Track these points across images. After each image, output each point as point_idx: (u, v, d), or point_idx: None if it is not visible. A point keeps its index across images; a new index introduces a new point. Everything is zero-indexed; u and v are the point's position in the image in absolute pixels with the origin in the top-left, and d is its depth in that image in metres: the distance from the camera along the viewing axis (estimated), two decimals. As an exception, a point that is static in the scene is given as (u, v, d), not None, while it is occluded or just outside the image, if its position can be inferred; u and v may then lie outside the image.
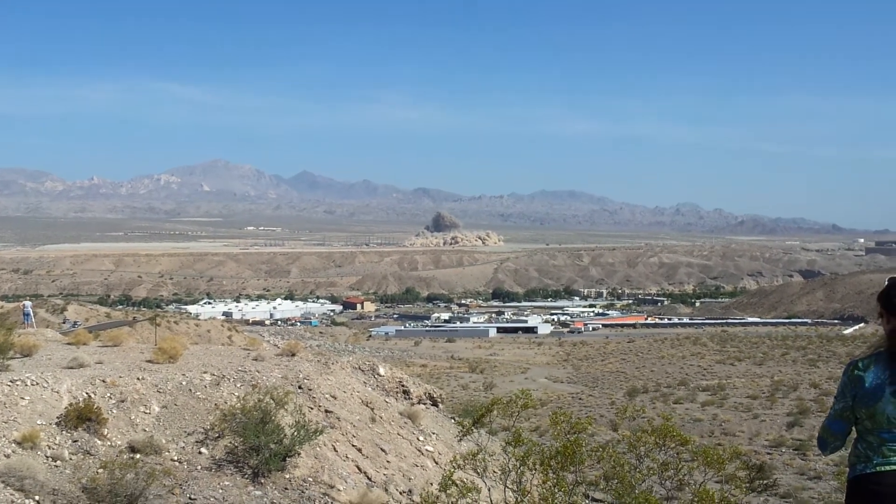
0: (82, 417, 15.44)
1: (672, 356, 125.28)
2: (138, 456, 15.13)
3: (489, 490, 13.05)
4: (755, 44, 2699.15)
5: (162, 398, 17.34)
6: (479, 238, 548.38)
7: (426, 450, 20.84)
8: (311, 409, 18.96)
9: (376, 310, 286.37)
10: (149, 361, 20.19)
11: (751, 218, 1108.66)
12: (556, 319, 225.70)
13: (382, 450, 19.29)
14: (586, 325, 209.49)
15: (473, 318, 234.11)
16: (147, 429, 16.28)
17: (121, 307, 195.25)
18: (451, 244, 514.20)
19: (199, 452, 16.02)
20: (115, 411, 16.39)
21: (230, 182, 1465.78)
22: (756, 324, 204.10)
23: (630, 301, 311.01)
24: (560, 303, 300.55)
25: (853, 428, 5.33)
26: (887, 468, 5.13)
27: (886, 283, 5.36)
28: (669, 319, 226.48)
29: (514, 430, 13.25)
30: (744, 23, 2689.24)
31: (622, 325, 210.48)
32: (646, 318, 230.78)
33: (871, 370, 5.22)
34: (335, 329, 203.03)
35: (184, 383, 18.06)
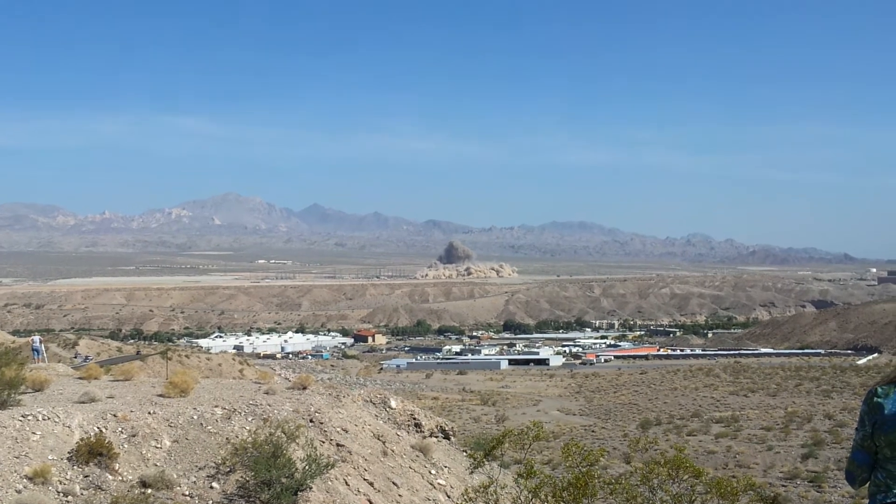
0: (93, 452, 15.43)
1: (685, 388, 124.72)
2: (149, 491, 15.09)
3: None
4: (767, 71, 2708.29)
5: (173, 432, 17.32)
6: (493, 270, 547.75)
7: (438, 483, 20.74)
8: (323, 442, 18.90)
9: (387, 342, 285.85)
10: (160, 396, 20.18)
11: (762, 248, 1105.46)
12: (567, 351, 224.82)
13: (394, 483, 19.20)
14: (598, 356, 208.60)
15: (485, 351, 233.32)
16: (158, 463, 16.25)
17: (132, 341, 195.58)
18: (464, 276, 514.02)
19: (211, 487, 15.98)
20: (126, 446, 16.37)
21: (241, 215, 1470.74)
22: (769, 354, 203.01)
23: (642, 332, 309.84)
24: (572, 334, 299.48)
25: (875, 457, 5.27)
26: None
27: None
28: (682, 350, 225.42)
29: (526, 462, 13.19)
30: (755, 50, 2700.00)
31: (634, 357, 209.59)
32: (658, 350, 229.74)
33: (891, 397, 5.17)
34: (346, 362, 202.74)
35: (195, 417, 18.04)
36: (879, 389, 5.25)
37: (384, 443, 21.00)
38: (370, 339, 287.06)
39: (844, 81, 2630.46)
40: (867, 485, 5.32)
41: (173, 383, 20.74)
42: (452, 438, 25.89)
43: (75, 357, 68.95)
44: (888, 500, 5.11)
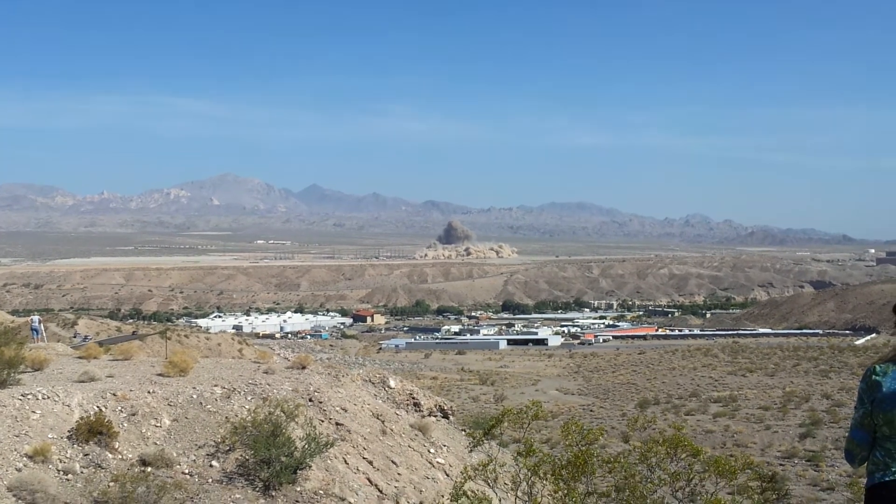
0: (93, 431, 15.46)
1: (683, 367, 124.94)
2: (149, 469, 15.14)
3: (500, 501, 13.02)
4: (764, 52, 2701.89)
5: (173, 411, 17.35)
6: (493, 250, 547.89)
7: (437, 462, 20.81)
8: (322, 421, 18.94)
9: (386, 322, 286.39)
10: (159, 375, 20.21)
11: (761, 229, 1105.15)
12: (566, 331, 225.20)
13: (393, 462, 19.27)
14: (597, 336, 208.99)
15: (483, 331, 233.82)
16: (158, 442, 16.29)
17: (131, 321, 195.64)
18: (463, 256, 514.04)
19: (210, 465, 16.02)
20: (126, 425, 16.41)
21: (240, 196, 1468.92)
22: (767, 335, 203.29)
23: (640, 312, 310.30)
24: (570, 315, 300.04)
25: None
26: None
27: None
28: (680, 331, 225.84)
29: (525, 441, 13.23)
30: (752, 32, 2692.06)
31: (633, 337, 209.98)
32: (656, 330, 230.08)
33: (889, 375, 5.16)
34: (345, 342, 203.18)
35: (194, 396, 18.07)
36: (878, 367, 5.25)
37: (383, 422, 21.05)
38: (369, 319, 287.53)
39: (844, 62, 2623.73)
40: (866, 464, 5.32)
41: (172, 363, 20.76)
42: (451, 418, 25.95)
43: (74, 336, 69.10)
44: (886, 479, 5.09)
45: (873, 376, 5.23)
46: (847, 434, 5.42)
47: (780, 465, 53.90)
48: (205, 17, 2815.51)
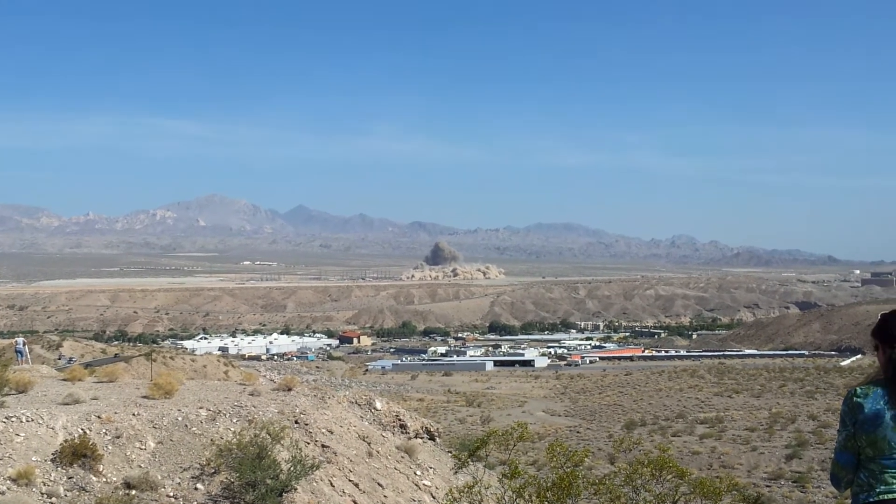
0: (77, 454, 15.39)
1: (669, 389, 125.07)
2: (134, 492, 15.07)
3: (486, 524, 13.01)
4: (752, 73, 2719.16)
5: (157, 434, 17.29)
6: (480, 271, 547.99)
7: (424, 484, 20.77)
8: (308, 443, 18.91)
9: (373, 344, 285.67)
10: (144, 397, 20.15)
11: (746, 250, 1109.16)
12: (552, 352, 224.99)
13: (379, 484, 19.22)
14: (583, 357, 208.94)
15: (470, 352, 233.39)
16: (143, 465, 16.22)
17: (116, 342, 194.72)
18: (451, 277, 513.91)
19: (195, 488, 15.96)
20: (110, 447, 16.34)
21: (226, 217, 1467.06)
22: (753, 356, 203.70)
23: (627, 334, 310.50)
24: (557, 336, 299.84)
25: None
26: (890, 496, 5.07)
27: (879, 318, 5.42)
28: (666, 352, 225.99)
29: (511, 462, 13.23)
30: (740, 52, 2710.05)
31: (619, 358, 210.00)
32: (643, 351, 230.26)
33: (870, 397, 5.22)
34: (332, 363, 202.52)
35: (179, 419, 18.01)
36: (858, 390, 5.30)
37: (369, 444, 21.02)
38: (355, 340, 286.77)
39: (830, 83, 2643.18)
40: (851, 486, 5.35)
41: (158, 385, 20.71)
42: (438, 439, 25.92)
43: (59, 358, 68.68)
44: (871, 500, 5.13)
45: (854, 398, 5.27)
46: (832, 458, 5.46)
47: (767, 486, 53.95)
48: (192, 37, 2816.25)
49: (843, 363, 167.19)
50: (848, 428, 5.27)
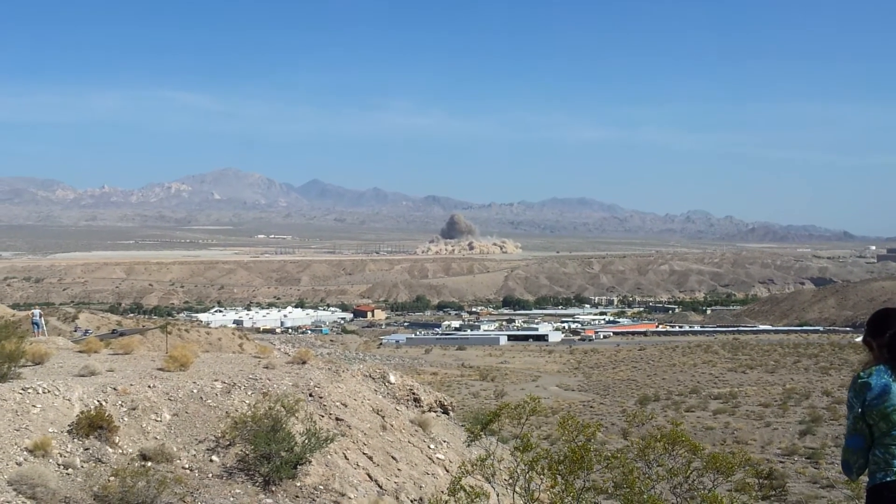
0: (94, 425, 15.49)
1: (683, 364, 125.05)
2: (149, 464, 15.17)
3: (498, 496, 13.07)
4: (766, 49, 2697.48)
5: (173, 406, 17.38)
6: (497, 245, 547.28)
7: (437, 458, 20.84)
8: (322, 416, 18.98)
9: (387, 318, 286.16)
10: (160, 369, 20.24)
11: (762, 225, 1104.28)
12: (566, 327, 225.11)
13: (393, 458, 19.30)
14: (597, 332, 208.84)
15: (484, 326, 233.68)
16: (158, 437, 16.32)
17: (132, 315, 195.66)
18: (467, 251, 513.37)
19: (211, 460, 16.06)
20: (126, 419, 16.44)
21: (241, 190, 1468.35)
22: (767, 331, 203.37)
23: (641, 309, 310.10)
24: (571, 311, 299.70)
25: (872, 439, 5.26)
26: None
27: (867, 324, 5.49)
28: (680, 327, 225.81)
29: (523, 436, 13.26)
30: (754, 28, 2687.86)
31: (633, 333, 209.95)
32: (657, 326, 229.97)
33: (875, 374, 5.23)
34: (346, 337, 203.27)
35: (195, 391, 18.10)
36: (863, 372, 5.32)
37: (383, 417, 21.09)
38: (369, 314, 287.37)
39: (845, 60, 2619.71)
40: (864, 473, 5.34)
41: (173, 357, 20.80)
42: (451, 413, 25.98)
43: (75, 330, 69.03)
44: (888, 479, 5.10)
45: (860, 380, 5.31)
46: (843, 444, 5.45)
47: (780, 462, 53.97)
48: (206, 11, 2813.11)
49: (857, 339, 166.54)
50: (855, 410, 5.28)
